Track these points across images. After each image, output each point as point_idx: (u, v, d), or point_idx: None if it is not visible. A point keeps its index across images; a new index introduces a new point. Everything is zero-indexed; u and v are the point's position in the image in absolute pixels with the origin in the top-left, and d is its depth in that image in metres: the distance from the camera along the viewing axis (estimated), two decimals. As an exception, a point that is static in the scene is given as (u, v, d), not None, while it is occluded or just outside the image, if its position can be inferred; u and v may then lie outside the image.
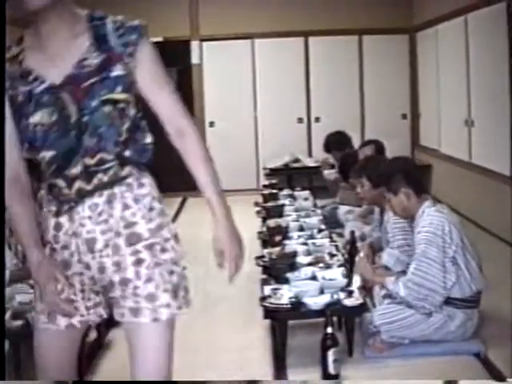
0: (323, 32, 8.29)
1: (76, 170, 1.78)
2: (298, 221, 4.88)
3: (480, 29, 6.17)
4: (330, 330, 3.12)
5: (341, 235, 5.18)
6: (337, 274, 3.61)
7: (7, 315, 2.97)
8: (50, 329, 1.87)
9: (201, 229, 4.34)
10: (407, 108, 8.58)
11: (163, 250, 1.86)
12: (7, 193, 1.81)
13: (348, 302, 3.32)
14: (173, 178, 6.01)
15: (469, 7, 6.28)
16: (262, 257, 4.05)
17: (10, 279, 3.15)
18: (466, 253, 3.34)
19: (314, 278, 3.58)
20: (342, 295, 3.36)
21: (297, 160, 8.09)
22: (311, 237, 4.46)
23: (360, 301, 3.34)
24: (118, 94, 1.77)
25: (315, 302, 3.31)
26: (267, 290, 3.54)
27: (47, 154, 1.78)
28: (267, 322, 3.66)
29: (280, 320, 3.39)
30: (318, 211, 5.40)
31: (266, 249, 4.21)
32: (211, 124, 8.49)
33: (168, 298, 1.84)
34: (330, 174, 6.47)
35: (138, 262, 1.83)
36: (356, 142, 6.53)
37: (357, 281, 3.67)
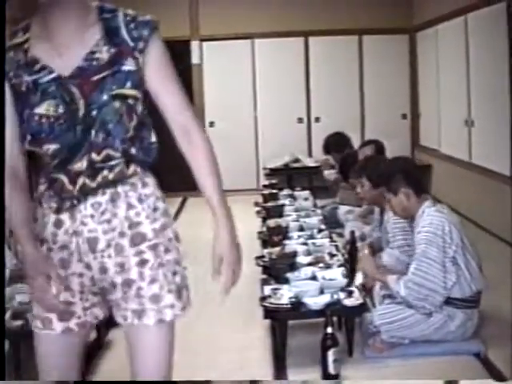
0: (323, 32, 8.29)
1: (80, 165, 1.73)
2: (298, 221, 4.88)
3: (480, 29, 6.17)
4: (329, 330, 3.12)
5: (341, 235, 5.18)
6: (337, 273, 3.61)
7: (7, 315, 2.97)
8: (46, 334, 1.83)
9: (201, 229, 4.33)
10: (407, 108, 8.58)
11: (167, 251, 1.84)
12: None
13: (348, 302, 3.32)
14: (173, 177, 6.02)
15: (469, 7, 6.28)
16: (262, 257, 4.05)
17: (9, 279, 3.15)
18: (466, 253, 3.35)
19: (314, 278, 3.57)
20: (341, 295, 3.36)
21: (297, 160, 8.09)
22: (311, 237, 4.46)
23: (360, 301, 3.34)
24: (128, 90, 1.74)
25: (315, 302, 3.31)
26: (267, 289, 3.54)
27: (51, 147, 1.72)
28: (267, 321, 3.66)
29: (280, 320, 3.39)
30: (318, 211, 5.40)
31: (266, 249, 4.21)
32: (211, 124, 8.49)
33: (172, 298, 1.82)
34: (330, 174, 6.47)
35: (142, 263, 1.79)
36: (356, 142, 6.53)
37: (359, 278, 3.67)
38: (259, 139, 8.60)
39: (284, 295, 3.41)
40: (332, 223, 5.41)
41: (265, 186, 6.56)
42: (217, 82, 8.48)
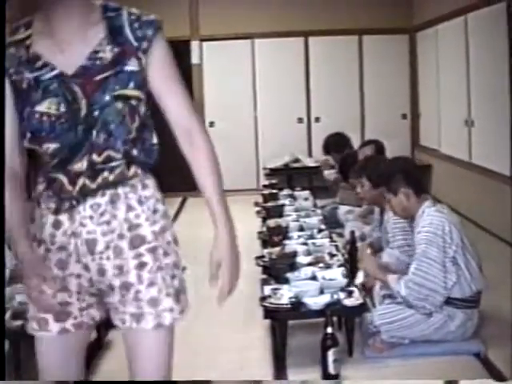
0: (323, 32, 8.29)
1: (80, 165, 1.70)
2: (298, 221, 4.88)
3: (480, 29, 6.17)
4: (329, 329, 3.12)
5: (341, 235, 5.18)
6: (337, 273, 3.61)
7: (7, 315, 2.97)
8: (43, 336, 1.80)
9: (201, 229, 4.33)
10: (407, 108, 8.58)
11: (166, 254, 1.81)
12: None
13: (348, 302, 3.32)
14: (173, 177, 6.02)
15: (469, 7, 6.28)
16: (262, 257, 4.05)
17: (9, 279, 3.15)
18: (466, 253, 3.35)
19: (314, 278, 3.58)
20: (341, 295, 3.36)
21: (297, 160, 8.09)
22: (311, 237, 4.46)
23: (360, 301, 3.34)
24: (131, 90, 1.71)
25: (315, 302, 3.31)
26: (267, 290, 3.54)
27: (51, 146, 1.70)
28: (267, 321, 3.66)
29: (280, 320, 3.39)
30: (318, 211, 5.40)
31: (266, 249, 4.21)
32: (211, 124, 8.48)
33: (171, 302, 1.79)
34: (330, 174, 6.47)
35: (141, 266, 1.77)
36: (356, 142, 6.53)
37: (360, 277, 3.67)
38: (259, 139, 8.60)
39: (284, 295, 3.41)
40: (332, 223, 5.41)
41: (265, 186, 6.56)
42: (217, 82, 8.49)
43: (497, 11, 5.63)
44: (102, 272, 1.77)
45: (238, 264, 1.84)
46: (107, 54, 1.70)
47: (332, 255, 3.97)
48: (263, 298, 3.43)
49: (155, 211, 1.80)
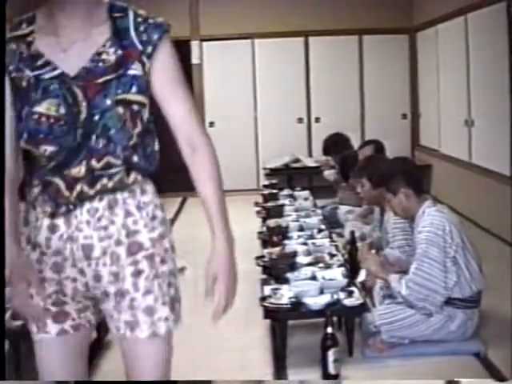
0: (323, 32, 8.29)
1: (78, 170, 1.66)
2: (297, 221, 4.88)
3: (480, 29, 6.17)
4: (330, 330, 3.12)
5: (341, 235, 5.18)
6: (337, 273, 3.61)
7: (7, 315, 2.97)
8: (43, 338, 1.76)
9: (201, 229, 4.31)
10: (407, 108, 8.58)
11: (163, 261, 1.76)
12: None
13: (348, 302, 3.32)
14: (173, 177, 6.01)
15: (469, 7, 6.28)
16: (262, 257, 4.05)
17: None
18: (466, 253, 3.34)
19: (314, 277, 3.58)
20: (342, 295, 3.36)
21: (297, 160, 8.10)
22: (311, 237, 4.46)
23: (360, 301, 3.34)
24: (133, 95, 1.66)
25: (315, 301, 3.31)
26: (267, 290, 3.54)
27: (48, 149, 1.64)
28: (267, 321, 3.66)
29: (280, 320, 3.39)
30: (318, 211, 5.40)
31: (266, 249, 4.21)
32: (211, 124, 8.48)
33: (167, 311, 1.75)
34: (330, 174, 6.47)
35: (137, 273, 1.72)
36: (356, 143, 6.52)
37: (362, 275, 3.68)
38: (259, 139, 8.59)
39: (284, 295, 3.41)
40: (332, 223, 5.41)
41: (265, 186, 6.57)
42: (217, 81, 8.48)
43: (497, 11, 5.63)
44: (97, 278, 1.73)
45: (235, 279, 1.76)
46: (111, 56, 1.66)
47: (332, 255, 3.97)
48: (263, 298, 3.43)
49: (154, 217, 1.76)
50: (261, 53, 8.48)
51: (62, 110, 1.63)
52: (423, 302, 3.28)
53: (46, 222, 1.71)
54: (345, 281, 3.52)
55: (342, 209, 5.77)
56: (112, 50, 1.66)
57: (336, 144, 6.36)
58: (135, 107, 1.67)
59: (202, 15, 8.36)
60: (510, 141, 5.37)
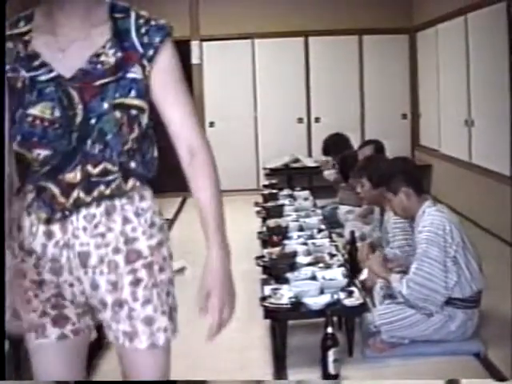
0: (323, 32, 8.29)
1: (74, 176, 1.60)
2: (297, 221, 4.88)
3: (480, 29, 6.17)
4: (330, 329, 3.12)
5: (341, 235, 5.18)
6: (337, 273, 3.61)
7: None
8: (43, 344, 1.70)
9: (200, 229, 4.32)
10: (407, 108, 8.58)
11: (161, 270, 1.71)
12: None
13: (348, 302, 3.32)
14: (173, 177, 6.00)
15: (469, 7, 6.28)
16: (262, 257, 4.05)
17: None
18: (466, 252, 3.34)
19: (314, 278, 3.57)
20: (342, 295, 3.36)
21: (297, 160, 8.10)
22: (311, 237, 4.46)
23: (360, 301, 3.34)
24: (132, 99, 1.61)
25: (315, 301, 3.31)
26: (267, 290, 3.54)
27: (42, 153, 1.58)
28: (267, 321, 3.66)
29: (280, 320, 3.39)
30: (318, 211, 5.40)
31: (266, 249, 4.21)
32: (211, 124, 8.49)
33: (166, 321, 1.70)
34: (329, 174, 6.47)
35: (136, 282, 1.67)
36: (356, 143, 6.53)
37: (364, 274, 3.68)
38: (259, 139, 8.59)
39: (284, 295, 3.41)
40: (332, 223, 5.42)
41: (265, 186, 6.57)
42: (217, 81, 8.48)
43: (497, 11, 5.63)
44: (94, 287, 1.68)
45: (230, 293, 1.67)
46: (110, 58, 1.60)
47: (332, 255, 3.97)
48: (263, 298, 3.43)
49: (152, 224, 1.70)
50: (261, 53, 8.48)
51: (57, 113, 1.58)
52: (424, 301, 3.28)
53: (42, 228, 1.65)
54: (345, 281, 3.52)
55: (342, 209, 5.77)
56: (112, 51, 1.61)
57: (336, 144, 6.36)
58: (133, 112, 1.62)
59: (202, 15, 8.36)
60: (510, 141, 5.37)
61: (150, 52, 1.63)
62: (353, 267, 4.02)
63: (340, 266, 3.78)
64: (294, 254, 3.92)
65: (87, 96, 1.58)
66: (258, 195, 6.26)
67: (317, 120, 8.53)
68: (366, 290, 3.78)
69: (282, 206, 5.44)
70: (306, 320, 3.59)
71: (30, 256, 1.67)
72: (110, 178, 1.63)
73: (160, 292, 1.70)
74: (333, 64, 8.40)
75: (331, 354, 3.11)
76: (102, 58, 1.60)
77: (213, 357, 3.51)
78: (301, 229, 4.69)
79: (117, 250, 1.66)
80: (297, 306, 3.33)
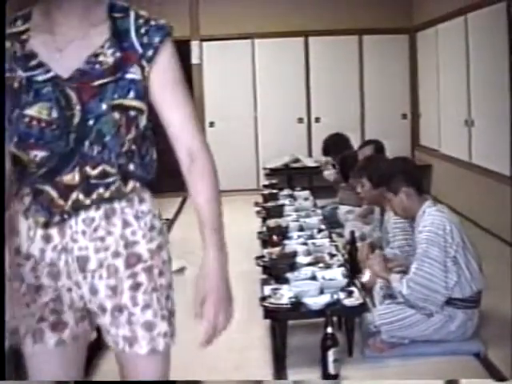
0: (323, 32, 8.29)
1: (71, 178, 1.57)
2: (297, 221, 4.88)
3: (480, 29, 6.17)
4: (330, 330, 3.12)
5: (341, 235, 5.18)
6: (337, 273, 3.61)
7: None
8: (40, 350, 1.66)
9: (201, 229, 4.31)
10: (407, 108, 8.58)
11: (161, 274, 1.68)
12: None
13: (348, 302, 3.32)
14: (173, 178, 6.01)
15: (469, 7, 6.28)
16: (262, 257, 4.05)
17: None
18: (466, 252, 3.34)
19: (313, 278, 3.58)
20: (342, 295, 3.36)
21: (297, 160, 8.10)
22: (311, 237, 4.47)
23: (360, 301, 3.34)
24: (131, 101, 1.58)
25: (315, 301, 3.31)
26: (267, 290, 3.54)
27: (39, 154, 1.56)
28: (267, 321, 3.66)
29: (280, 320, 3.39)
30: (318, 211, 5.40)
31: (266, 249, 4.21)
32: (211, 124, 8.49)
33: (165, 326, 1.68)
34: (329, 174, 6.47)
35: (136, 287, 1.64)
36: (356, 143, 6.53)
37: (366, 275, 3.68)
38: (259, 139, 8.59)
39: (284, 295, 3.41)
40: (332, 223, 5.42)
41: (265, 186, 6.57)
42: (217, 81, 8.48)
43: (497, 11, 5.63)
44: (93, 291, 1.65)
45: (227, 299, 1.63)
46: (108, 58, 1.57)
47: (332, 255, 3.97)
48: (263, 298, 3.43)
49: (152, 228, 1.68)
50: (261, 53, 8.48)
51: (55, 114, 1.55)
52: (424, 301, 3.28)
53: (39, 232, 1.62)
54: (345, 281, 3.52)
55: (342, 209, 5.77)
56: (110, 51, 1.58)
57: (336, 144, 6.36)
58: (132, 113, 1.59)
59: (202, 15, 8.36)
60: (510, 141, 5.37)
61: (150, 52, 1.60)
62: (353, 267, 4.02)
63: (340, 266, 3.78)
64: (294, 254, 3.92)
65: (85, 96, 1.56)
66: (258, 195, 6.26)
67: (317, 120, 8.53)
68: (366, 290, 3.78)
69: (282, 206, 5.44)
70: (306, 320, 3.59)
71: (27, 260, 1.64)
72: (109, 180, 1.60)
73: (160, 296, 1.68)
74: (333, 64, 8.40)
75: (331, 354, 3.11)
76: (101, 58, 1.57)
77: (213, 357, 3.51)
78: (301, 229, 4.69)
79: (116, 254, 1.63)
80: (297, 306, 3.33)
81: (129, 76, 1.58)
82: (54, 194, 1.59)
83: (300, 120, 8.57)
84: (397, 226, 3.88)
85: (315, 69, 8.47)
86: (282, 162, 8.03)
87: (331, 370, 3.12)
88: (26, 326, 1.66)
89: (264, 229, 4.78)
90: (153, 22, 1.62)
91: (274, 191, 6.07)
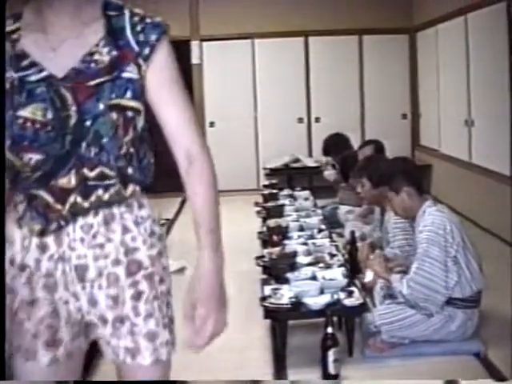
0: (323, 32, 8.29)
1: (67, 181, 1.52)
2: (298, 221, 4.88)
3: (480, 29, 6.17)
4: (330, 329, 3.12)
5: (341, 235, 5.19)
6: (337, 273, 3.61)
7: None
8: (31, 369, 1.59)
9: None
10: (407, 108, 8.58)
11: (161, 281, 1.63)
12: None
13: (348, 302, 3.32)
14: (173, 178, 6.00)
15: (469, 7, 6.29)
16: (262, 257, 4.05)
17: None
18: (467, 252, 3.35)
19: (314, 278, 3.58)
20: (342, 295, 3.36)
21: (297, 160, 8.10)
22: (311, 237, 4.46)
23: (360, 301, 3.34)
24: (128, 101, 1.53)
25: (315, 301, 3.31)
26: (267, 290, 3.54)
27: (34, 157, 1.50)
28: (267, 321, 3.66)
29: (280, 320, 3.39)
30: (318, 211, 5.40)
31: (266, 249, 4.21)
32: (211, 124, 8.49)
33: (167, 334, 1.64)
34: (329, 174, 6.47)
35: (137, 295, 1.59)
36: (356, 143, 6.53)
37: (369, 275, 3.68)
38: (259, 139, 8.60)
39: (284, 295, 3.41)
40: (332, 223, 5.42)
41: (265, 186, 6.57)
42: (217, 82, 8.48)
43: (497, 11, 5.63)
44: (93, 302, 1.59)
45: (220, 303, 1.58)
46: (104, 56, 1.52)
47: (332, 255, 3.97)
48: (263, 298, 3.43)
49: (152, 233, 1.63)
50: (261, 53, 8.48)
51: (50, 115, 1.49)
52: (424, 301, 3.28)
53: (35, 241, 1.56)
54: (345, 281, 3.52)
55: (342, 209, 5.77)
56: (106, 50, 1.53)
57: (336, 144, 6.36)
58: (129, 114, 1.54)
59: (202, 15, 8.36)
60: (510, 141, 5.37)
61: (146, 50, 1.55)
62: (353, 267, 4.02)
63: (340, 266, 3.78)
64: (294, 254, 3.92)
65: (81, 96, 1.50)
66: (258, 195, 6.26)
67: (317, 120, 8.53)
68: (366, 289, 3.78)
69: (283, 205, 5.44)
70: (306, 320, 3.59)
71: (22, 272, 1.58)
72: (108, 182, 1.55)
73: (161, 304, 1.63)
74: (333, 64, 8.40)
75: (331, 354, 3.11)
76: (96, 57, 1.53)
77: (213, 357, 3.51)
78: (301, 229, 4.69)
79: (117, 262, 1.58)
80: (297, 306, 3.33)
81: (126, 75, 1.54)
82: (49, 198, 1.53)
83: (300, 120, 8.57)
84: (397, 226, 3.88)
85: (315, 69, 8.47)
86: (282, 162, 8.03)
87: (331, 369, 3.12)
88: (19, 342, 1.59)
89: (264, 229, 4.78)
90: (148, 20, 1.58)
91: (274, 191, 6.07)
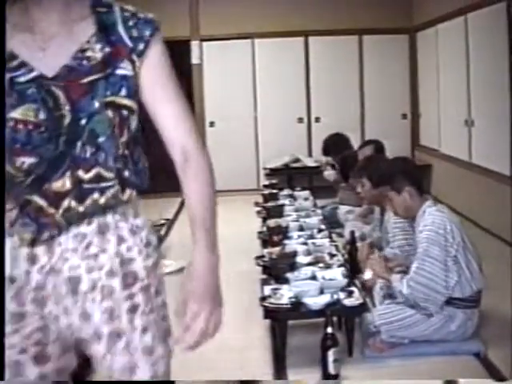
0: (323, 32, 8.29)
1: (61, 184, 1.45)
2: (298, 221, 4.88)
3: (480, 29, 6.17)
4: (330, 330, 3.12)
5: (341, 235, 5.19)
6: (337, 273, 3.61)
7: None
8: None
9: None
10: (407, 108, 8.58)
11: (157, 293, 1.58)
12: None
13: (348, 302, 3.32)
14: (173, 178, 6.01)
15: (469, 7, 6.29)
16: (262, 257, 4.05)
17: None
18: (467, 252, 3.35)
19: (313, 277, 3.58)
20: (341, 295, 3.36)
21: (297, 160, 8.11)
22: (311, 237, 4.47)
23: (360, 301, 3.34)
24: (122, 99, 1.48)
25: (315, 302, 3.31)
26: (267, 290, 3.54)
27: (27, 161, 1.43)
28: (267, 321, 3.66)
29: (280, 320, 3.39)
30: (318, 211, 5.40)
31: (266, 249, 4.21)
32: (211, 124, 8.49)
33: (164, 347, 1.59)
34: (329, 174, 6.48)
35: (133, 309, 1.53)
36: (356, 143, 6.53)
37: (368, 274, 3.68)
38: (259, 139, 8.60)
39: (284, 295, 3.41)
40: (332, 223, 5.42)
41: (265, 186, 6.57)
42: (217, 82, 8.48)
43: (497, 11, 5.63)
44: (85, 317, 1.51)
45: (213, 302, 1.55)
46: (97, 53, 1.47)
47: (332, 255, 3.97)
48: (263, 298, 3.43)
49: (148, 244, 1.57)
50: (261, 53, 8.48)
51: (42, 115, 1.42)
52: (424, 301, 3.28)
53: (25, 251, 1.48)
54: (345, 281, 3.52)
55: (342, 209, 5.77)
56: (98, 46, 1.48)
57: (336, 144, 6.36)
58: (124, 112, 1.49)
59: (202, 15, 8.36)
60: (510, 141, 5.37)
61: (141, 46, 1.51)
62: (353, 267, 4.02)
63: (340, 266, 3.78)
64: (294, 254, 3.92)
65: (74, 95, 1.44)
66: (258, 195, 6.26)
67: (317, 120, 8.54)
68: (366, 289, 3.78)
69: (282, 205, 5.44)
70: (306, 320, 3.59)
71: (10, 284, 1.50)
72: (105, 184, 1.48)
73: (156, 317, 1.57)
74: (333, 64, 8.41)
75: (331, 354, 3.11)
76: (88, 54, 1.47)
77: (213, 357, 3.51)
78: (301, 229, 4.69)
79: (112, 274, 1.51)
80: (297, 306, 3.33)
81: (120, 72, 1.49)
82: (42, 202, 1.46)
83: (300, 120, 8.57)
84: (397, 226, 3.88)
85: (315, 69, 8.47)
86: (282, 162, 8.03)
87: (331, 369, 3.12)
88: (6, 357, 1.50)
89: (264, 229, 4.78)
90: (141, 15, 1.54)
91: (274, 191, 6.07)
